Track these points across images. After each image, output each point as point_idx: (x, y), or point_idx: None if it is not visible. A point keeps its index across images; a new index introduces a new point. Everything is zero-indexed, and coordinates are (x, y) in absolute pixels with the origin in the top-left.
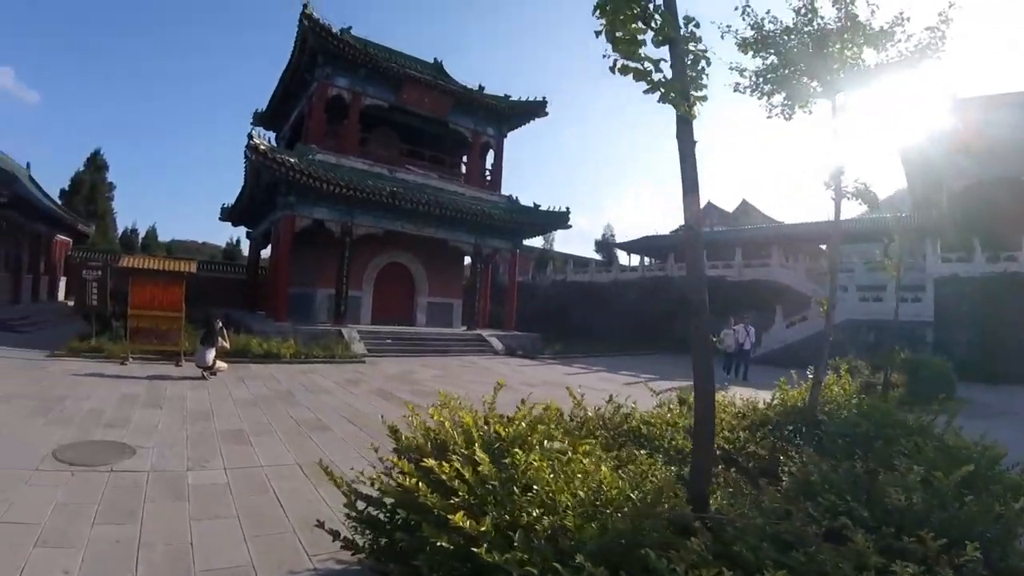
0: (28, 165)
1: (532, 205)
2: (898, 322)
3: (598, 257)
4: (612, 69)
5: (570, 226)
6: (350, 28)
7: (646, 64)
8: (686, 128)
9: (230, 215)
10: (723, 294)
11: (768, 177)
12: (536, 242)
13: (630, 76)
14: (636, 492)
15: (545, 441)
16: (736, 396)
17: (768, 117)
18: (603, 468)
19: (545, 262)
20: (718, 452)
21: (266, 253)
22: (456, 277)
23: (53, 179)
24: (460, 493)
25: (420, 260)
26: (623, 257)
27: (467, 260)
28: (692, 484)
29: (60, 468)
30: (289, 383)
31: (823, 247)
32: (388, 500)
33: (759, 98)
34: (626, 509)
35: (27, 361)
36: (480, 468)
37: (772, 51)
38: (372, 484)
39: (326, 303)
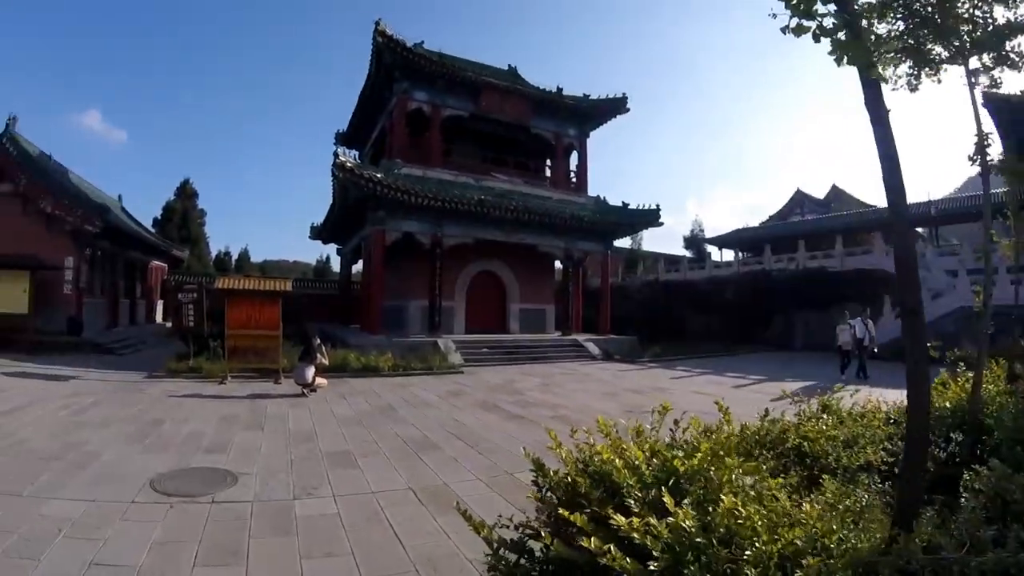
0: (120, 197)
1: (621, 204)
2: (1017, 307)
3: (687, 254)
4: (785, 30)
5: (661, 223)
6: (423, 42)
7: (827, 21)
8: (875, 94)
9: (319, 233)
10: (825, 286)
11: (858, 159)
12: (624, 243)
13: (806, 37)
14: (846, 531)
15: (734, 475)
16: (877, 399)
17: (893, 89)
18: (806, 506)
19: (635, 262)
20: (883, 467)
21: (357, 268)
22: (547, 282)
23: (146, 209)
24: (655, 553)
25: (511, 267)
26: (715, 253)
27: (557, 265)
28: (902, 518)
29: (158, 500)
30: (390, 397)
31: (920, 230)
32: (536, 547)
33: (883, 69)
34: (848, 557)
35: (125, 384)
36: (681, 521)
37: (899, 15)
38: (518, 530)
39: (419, 314)
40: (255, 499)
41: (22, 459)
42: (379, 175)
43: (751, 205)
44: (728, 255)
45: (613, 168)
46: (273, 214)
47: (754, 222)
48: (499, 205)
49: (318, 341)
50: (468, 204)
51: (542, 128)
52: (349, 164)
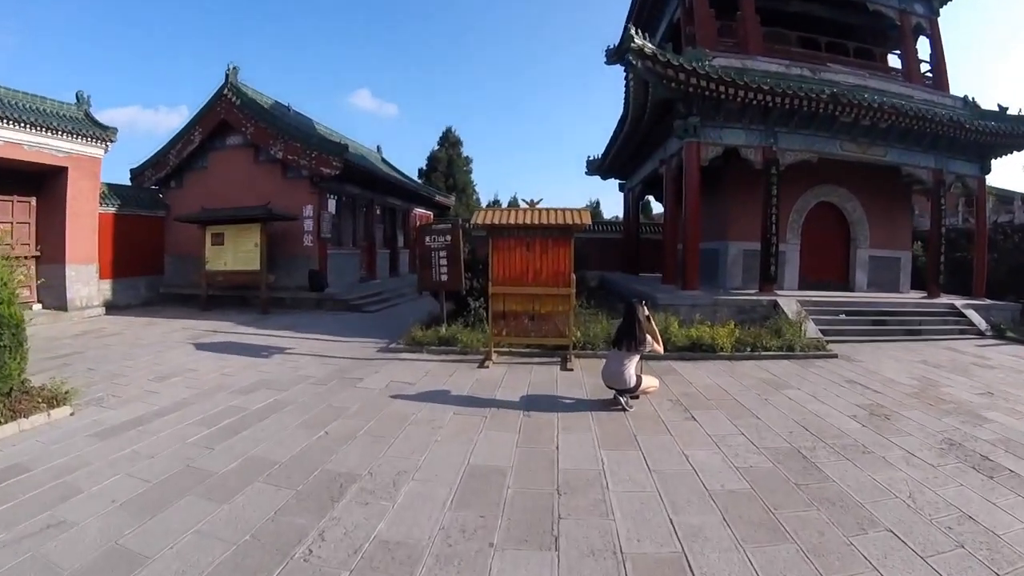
0: (379, 148)
1: (997, 109)
2: None
3: None
4: None
5: None
6: None
7: None
8: None
9: (598, 167)
10: None
11: None
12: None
13: None
14: None
15: None
16: None
17: None
18: None
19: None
20: None
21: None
22: (903, 219)
23: (415, 164)
24: None
25: (858, 197)
26: None
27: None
28: None
29: None
30: (774, 420)
31: None
32: None
33: None
34: None
35: (349, 364)
36: None
37: None
38: None
39: (740, 261)
40: None
41: None
42: (691, 64)
43: None
44: None
45: None
46: (539, 163)
47: None
48: (859, 103)
49: (646, 312)
50: (819, 102)
51: (882, 4)
52: (649, 50)
